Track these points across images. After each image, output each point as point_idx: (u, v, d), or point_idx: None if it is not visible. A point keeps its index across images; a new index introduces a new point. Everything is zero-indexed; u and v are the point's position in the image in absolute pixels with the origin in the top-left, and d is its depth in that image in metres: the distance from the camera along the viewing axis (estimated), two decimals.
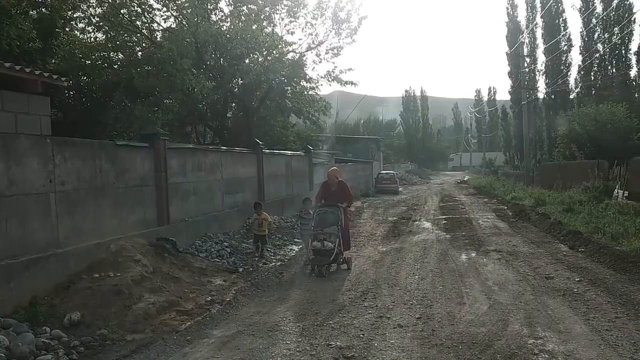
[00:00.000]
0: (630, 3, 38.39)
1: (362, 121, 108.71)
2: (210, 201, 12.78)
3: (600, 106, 27.92)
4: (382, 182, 36.22)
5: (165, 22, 15.20)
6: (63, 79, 7.55)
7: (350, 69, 20.59)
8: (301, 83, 20.82)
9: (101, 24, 14.26)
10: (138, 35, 15.25)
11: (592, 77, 39.90)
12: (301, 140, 24.28)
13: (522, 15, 49.86)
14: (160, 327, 6.43)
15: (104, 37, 14.74)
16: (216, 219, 12.76)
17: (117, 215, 9.12)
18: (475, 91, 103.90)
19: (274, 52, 18.70)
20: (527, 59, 44.67)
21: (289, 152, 18.80)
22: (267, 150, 16.87)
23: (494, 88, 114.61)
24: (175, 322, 6.67)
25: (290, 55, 20.32)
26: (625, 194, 17.51)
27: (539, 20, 45.29)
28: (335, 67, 20.39)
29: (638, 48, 37.25)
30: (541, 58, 44.11)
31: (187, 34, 14.22)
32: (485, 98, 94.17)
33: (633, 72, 38.01)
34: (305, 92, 20.98)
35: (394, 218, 18.52)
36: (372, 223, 17.20)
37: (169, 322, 6.66)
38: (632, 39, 37.74)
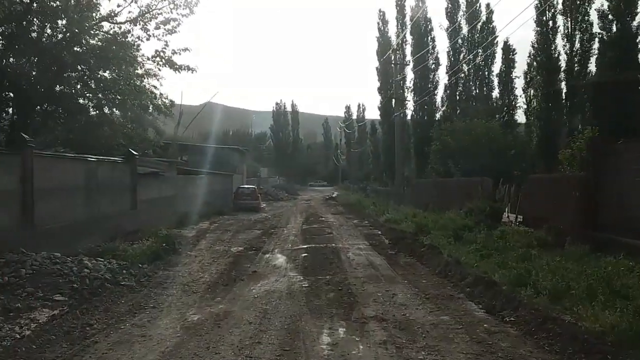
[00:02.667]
0: (493, 26, 39.10)
1: (231, 132, 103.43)
2: None
3: (475, 120, 26.12)
4: (241, 198, 31.67)
5: None
6: None
7: (186, 49, 15.60)
8: (127, 68, 15.58)
9: None
10: None
11: (457, 97, 40.08)
12: (134, 145, 18.77)
13: (392, 31, 48.75)
14: None
15: None
16: None
17: None
18: (345, 107, 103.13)
19: (76, 15, 13.32)
20: (399, 75, 43.25)
21: (93, 156, 13.31)
22: (47, 153, 11.42)
23: (363, 105, 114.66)
24: None
25: (107, 26, 15.07)
26: (519, 219, 14.59)
27: (408, 36, 44.68)
28: (167, 45, 15.40)
29: (499, 70, 37.44)
30: (410, 76, 43.87)
31: None
32: (355, 115, 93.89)
33: (495, 93, 38.48)
34: (133, 81, 15.71)
35: (240, 248, 13.86)
36: (205, 257, 12.30)
37: None
38: (495, 61, 38.35)
